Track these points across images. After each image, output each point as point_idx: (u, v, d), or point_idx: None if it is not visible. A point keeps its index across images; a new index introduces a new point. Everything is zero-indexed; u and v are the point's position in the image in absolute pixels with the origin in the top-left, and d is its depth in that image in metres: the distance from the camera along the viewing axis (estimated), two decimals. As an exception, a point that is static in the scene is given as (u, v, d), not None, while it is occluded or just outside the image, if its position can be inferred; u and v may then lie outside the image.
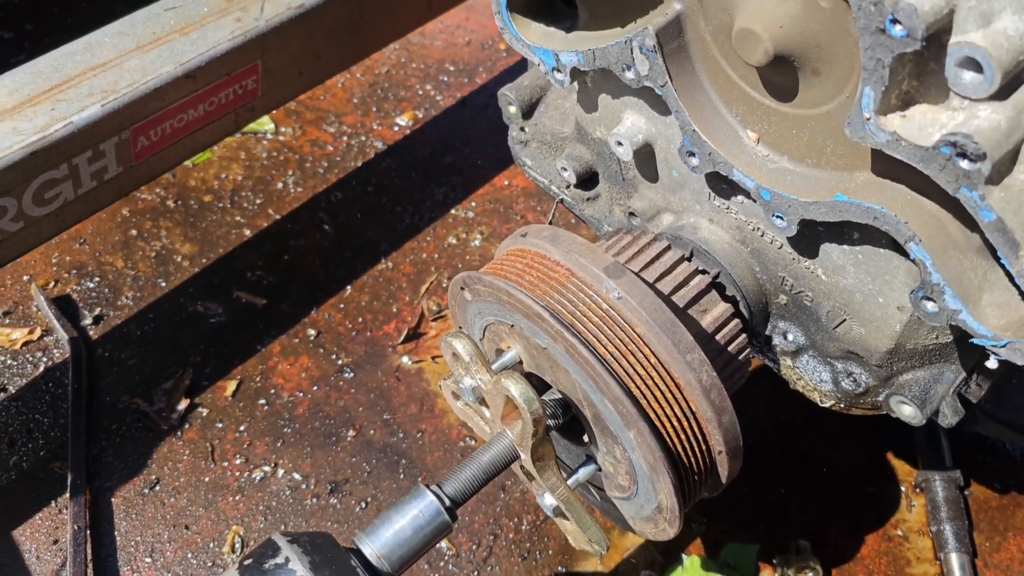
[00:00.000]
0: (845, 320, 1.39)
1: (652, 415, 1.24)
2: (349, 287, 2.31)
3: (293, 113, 2.69)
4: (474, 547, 1.91)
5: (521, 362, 1.43)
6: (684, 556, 1.90)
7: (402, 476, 2.00)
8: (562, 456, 1.63)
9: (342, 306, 2.28)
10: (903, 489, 2.02)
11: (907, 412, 1.42)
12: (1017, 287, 1.06)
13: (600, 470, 1.46)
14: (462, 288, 1.44)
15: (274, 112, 2.66)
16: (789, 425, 2.10)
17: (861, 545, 1.94)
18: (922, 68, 1.00)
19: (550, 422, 1.41)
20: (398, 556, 1.32)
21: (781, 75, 1.20)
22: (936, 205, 1.10)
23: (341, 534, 1.91)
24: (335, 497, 1.96)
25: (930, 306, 1.14)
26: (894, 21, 0.91)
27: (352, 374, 2.16)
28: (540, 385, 1.45)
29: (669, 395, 1.25)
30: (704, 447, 1.30)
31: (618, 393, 1.21)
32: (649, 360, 1.24)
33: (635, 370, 1.24)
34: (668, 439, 1.26)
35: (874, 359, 1.39)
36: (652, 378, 1.24)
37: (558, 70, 1.46)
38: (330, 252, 2.38)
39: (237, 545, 1.89)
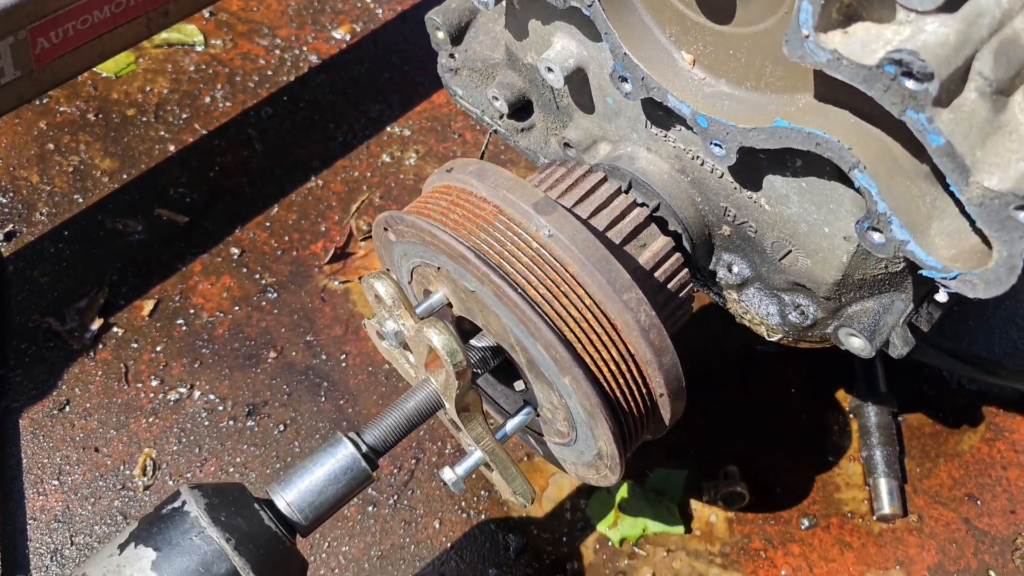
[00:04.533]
0: (791, 251, 1.33)
1: (588, 359, 1.17)
2: (276, 205, 2.22)
3: (224, 24, 2.54)
4: (395, 471, 1.87)
5: (450, 305, 1.35)
6: None
7: (323, 399, 1.95)
8: (499, 401, 1.56)
9: (268, 224, 2.19)
10: (838, 415, 1.99)
11: (856, 344, 1.37)
12: (967, 216, 0.99)
13: (538, 415, 1.39)
14: (385, 229, 1.35)
15: (204, 23, 2.53)
16: (730, 352, 2.06)
17: (791, 471, 1.92)
18: (865, -23, 0.91)
19: (478, 370, 1.34)
20: (313, 507, 1.26)
21: (715, -11, 1.11)
22: (882, 130, 1.03)
23: (258, 457, 1.87)
24: (253, 420, 1.91)
25: (876, 237, 1.07)
26: (832, -76, 0.82)
27: (276, 294, 2.09)
28: (471, 328, 1.38)
29: (605, 337, 1.17)
30: (645, 390, 1.23)
31: (550, 338, 1.13)
32: (583, 301, 1.17)
33: (568, 312, 1.16)
34: (606, 384, 1.19)
35: (821, 291, 1.32)
36: (587, 320, 1.17)
37: (481, -10, 1.35)
38: (258, 169, 2.28)
39: (149, 468, 1.83)
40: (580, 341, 1.17)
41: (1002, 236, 0.93)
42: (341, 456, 1.28)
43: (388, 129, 2.40)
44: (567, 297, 1.16)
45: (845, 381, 2.03)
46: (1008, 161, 0.90)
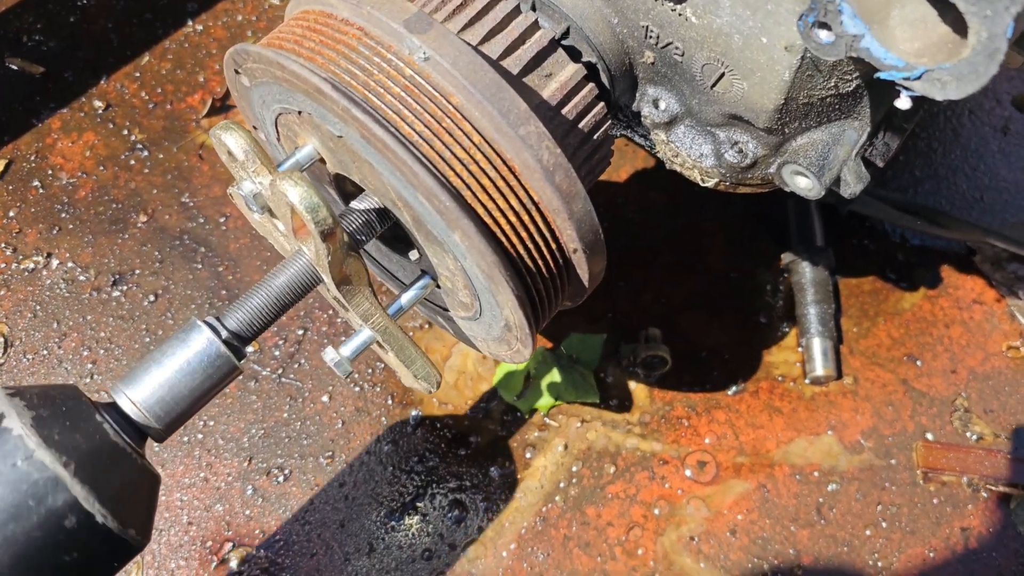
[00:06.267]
0: (724, 75, 1.12)
1: (480, 209, 0.96)
2: (147, 54, 1.97)
3: None
4: (280, 342, 1.70)
5: (323, 160, 1.12)
6: None
7: (200, 266, 1.76)
8: (398, 275, 1.36)
9: (138, 75, 1.95)
10: (771, 273, 1.84)
11: (803, 184, 1.19)
12: None
13: (439, 286, 1.19)
14: (237, 72, 1.10)
15: None
16: (652, 210, 1.88)
17: (718, 333, 1.78)
18: None
19: (362, 236, 1.12)
20: (167, 406, 1.03)
21: None
22: None
23: (125, 331, 1.69)
24: (119, 290, 1.73)
25: (824, 35, 0.87)
26: None
27: (146, 152, 1.86)
28: (354, 190, 1.16)
29: (500, 182, 0.96)
30: (554, 245, 1.03)
31: (430, 185, 0.91)
32: (471, 138, 0.95)
33: (453, 152, 0.94)
34: (504, 239, 0.99)
35: (761, 121, 1.13)
36: (475, 161, 0.95)
37: None
38: (125, 13, 2.02)
39: (0, 345, 1.66)
40: (469, 187, 0.95)
41: (981, 9, 0.73)
42: (200, 346, 1.05)
43: (279, -32, 2.13)
44: (450, 134, 0.94)
45: (779, 236, 1.87)
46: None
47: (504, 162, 0.96)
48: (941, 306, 1.82)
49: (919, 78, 0.82)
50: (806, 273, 1.78)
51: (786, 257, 1.83)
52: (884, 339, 1.78)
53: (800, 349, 1.76)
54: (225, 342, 1.06)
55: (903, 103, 0.90)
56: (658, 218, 1.87)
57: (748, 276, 1.83)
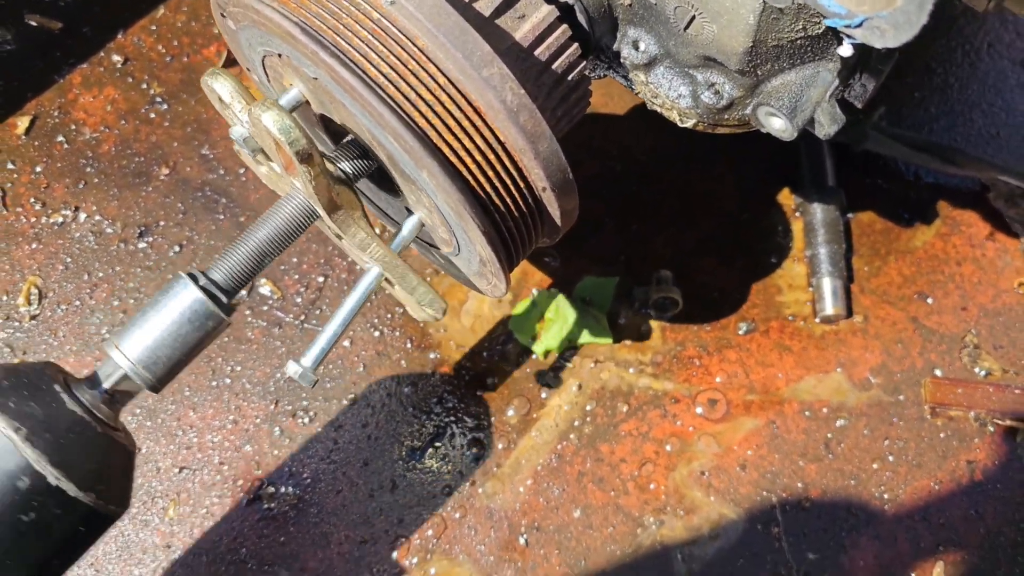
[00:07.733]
0: (694, 18, 1.14)
1: (446, 149, 1.01)
2: (162, 6, 2.01)
3: None
4: (302, 289, 1.75)
5: (309, 103, 1.18)
6: (534, 291, 1.75)
7: (222, 216, 1.82)
8: (389, 212, 1.41)
9: (154, 28, 1.98)
10: (782, 214, 1.85)
11: (777, 125, 1.21)
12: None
13: (424, 224, 1.24)
14: (223, 15, 1.16)
15: None
16: (662, 152, 1.90)
17: (729, 274, 1.79)
18: None
19: (349, 171, 1.17)
20: (154, 359, 1.09)
21: None
22: None
23: (153, 281, 1.77)
24: (145, 241, 1.79)
25: (771, -22, 0.89)
26: None
27: (166, 105, 1.91)
28: (342, 131, 1.21)
29: (465, 122, 1.00)
30: (522, 184, 1.08)
31: (396, 126, 0.96)
32: (436, 80, 0.99)
33: (418, 94, 0.99)
34: (471, 177, 1.03)
35: (733, 63, 1.15)
36: (440, 103, 0.99)
37: None
38: None
39: (34, 297, 1.74)
40: (435, 128, 1.00)
41: (904, -48, 0.75)
42: (187, 301, 1.09)
43: (295, -88, 2.16)
44: (415, 76, 0.99)
45: (790, 177, 1.88)
46: None
47: (469, 103, 1.00)
48: (953, 244, 1.81)
49: (859, 26, 0.84)
50: (817, 214, 1.79)
51: (797, 198, 1.84)
52: (895, 277, 1.79)
53: (811, 289, 1.78)
54: (212, 297, 1.10)
55: (845, 50, 0.92)
56: (668, 160, 1.89)
57: (759, 217, 1.85)
